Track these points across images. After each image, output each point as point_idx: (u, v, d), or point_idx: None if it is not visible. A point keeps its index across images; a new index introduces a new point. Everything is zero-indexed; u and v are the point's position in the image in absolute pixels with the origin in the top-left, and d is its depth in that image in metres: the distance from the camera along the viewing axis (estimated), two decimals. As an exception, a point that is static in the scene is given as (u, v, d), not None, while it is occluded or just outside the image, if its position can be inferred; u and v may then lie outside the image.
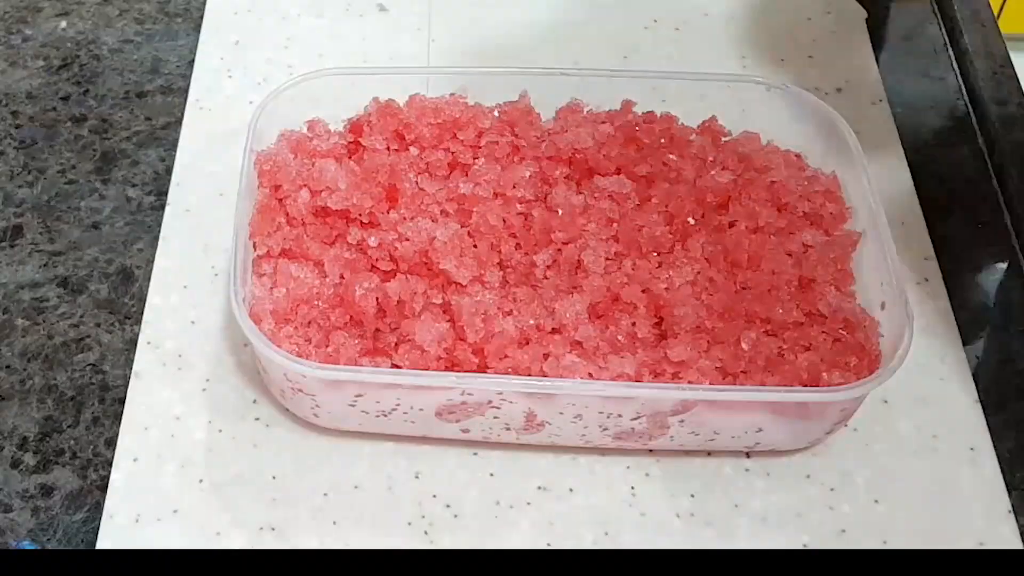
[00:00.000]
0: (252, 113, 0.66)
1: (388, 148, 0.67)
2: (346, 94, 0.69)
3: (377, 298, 0.61)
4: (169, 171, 0.74)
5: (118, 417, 0.64)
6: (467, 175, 0.66)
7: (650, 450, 0.63)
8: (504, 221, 0.64)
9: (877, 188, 0.65)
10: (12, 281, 0.69)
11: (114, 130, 0.77)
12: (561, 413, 0.59)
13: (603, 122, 0.69)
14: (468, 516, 0.61)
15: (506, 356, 0.59)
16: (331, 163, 0.65)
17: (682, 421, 0.60)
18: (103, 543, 0.59)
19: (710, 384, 0.59)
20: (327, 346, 0.60)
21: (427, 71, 0.77)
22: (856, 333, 0.61)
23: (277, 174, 0.65)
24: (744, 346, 0.60)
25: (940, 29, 0.85)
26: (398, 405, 0.60)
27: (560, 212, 0.64)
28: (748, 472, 0.63)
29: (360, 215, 0.64)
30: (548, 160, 0.67)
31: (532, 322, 0.61)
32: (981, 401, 0.66)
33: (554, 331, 0.61)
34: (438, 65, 0.80)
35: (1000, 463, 0.64)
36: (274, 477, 0.62)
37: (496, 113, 0.69)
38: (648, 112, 0.70)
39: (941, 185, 0.76)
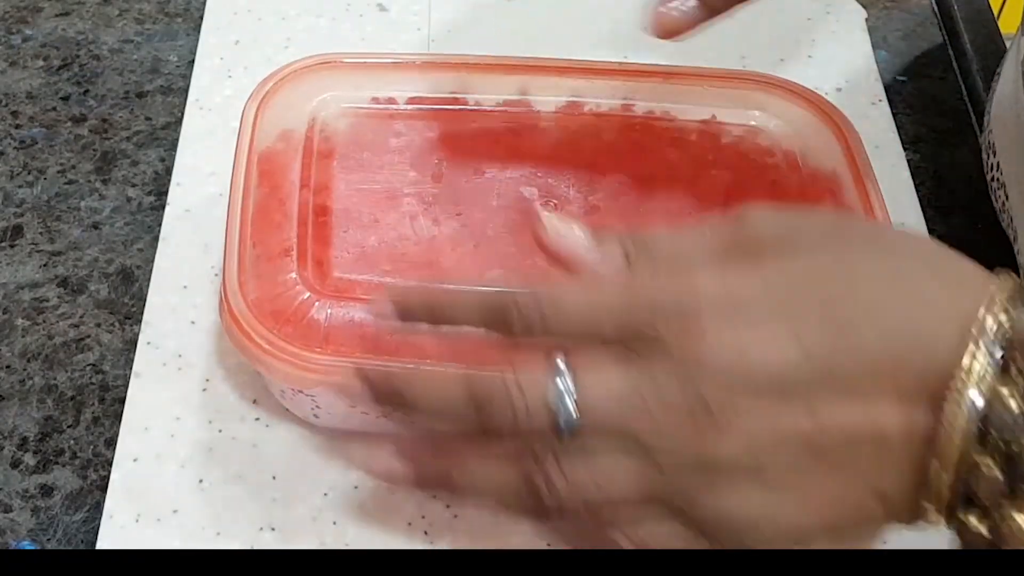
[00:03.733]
0: (246, 106, 0.66)
1: (387, 147, 0.67)
2: (346, 93, 0.68)
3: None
4: (169, 171, 0.74)
5: (118, 417, 0.63)
6: (467, 175, 0.66)
7: (650, 450, 0.63)
8: (503, 220, 0.64)
9: (876, 188, 0.65)
10: (12, 281, 0.69)
11: (114, 130, 0.77)
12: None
13: (603, 121, 0.69)
14: (468, 516, 0.61)
15: (507, 358, 0.59)
16: (331, 162, 0.65)
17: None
18: (103, 543, 0.59)
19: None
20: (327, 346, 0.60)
21: (426, 69, 0.76)
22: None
23: (277, 174, 0.64)
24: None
25: (940, 29, 0.85)
26: (398, 405, 0.60)
27: (559, 211, 0.64)
28: (748, 472, 0.63)
29: (360, 214, 0.64)
30: (547, 160, 0.67)
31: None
32: (981, 401, 0.66)
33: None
34: (437, 63, 0.80)
35: (1000, 463, 0.63)
36: (274, 477, 0.62)
37: (496, 112, 0.69)
38: (648, 111, 0.69)
39: (941, 185, 0.76)
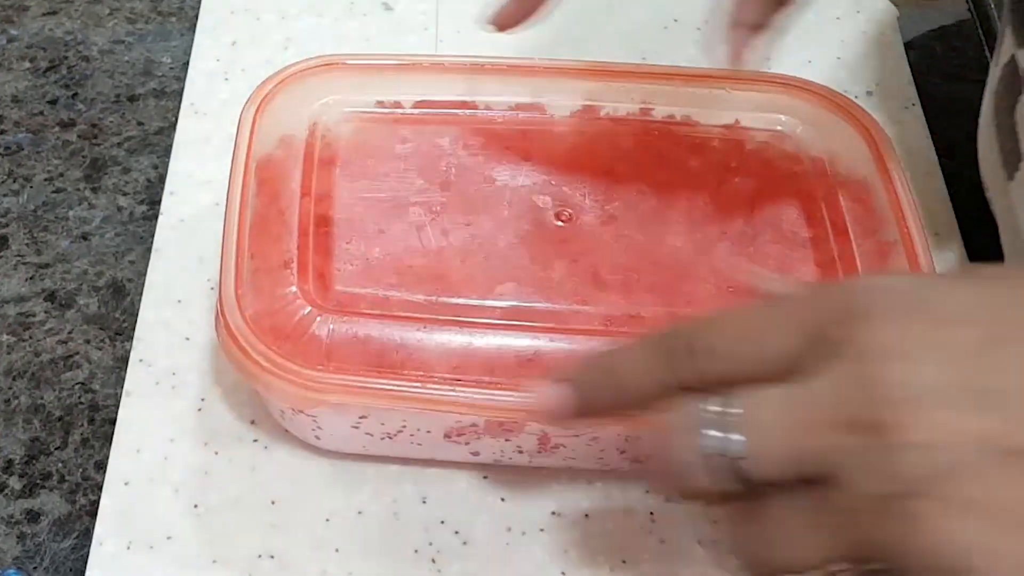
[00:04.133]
0: (244, 110, 0.66)
1: (393, 154, 0.67)
2: (349, 97, 0.69)
3: (382, 313, 0.61)
4: (162, 179, 0.74)
5: (108, 439, 0.64)
6: (477, 183, 0.66)
7: (670, 474, 0.63)
8: (515, 231, 0.64)
9: (910, 196, 0.65)
10: (-3, 295, 0.70)
11: (104, 136, 0.77)
12: (576, 435, 0.59)
13: (620, 126, 0.69)
14: (478, 543, 0.61)
15: (518, 374, 0.59)
16: (333, 170, 0.65)
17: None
18: (92, 572, 0.59)
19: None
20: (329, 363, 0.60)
21: (434, 71, 0.77)
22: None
23: (276, 182, 0.65)
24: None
25: (976, 29, 0.85)
26: (404, 427, 0.60)
27: (574, 221, 0.64)
28: (774, 497, 0.63)
29: (364, 224, 0.64)
30: (562, 166, 0.67)
31: (545, 338, 0.60)
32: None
33: (569, 347, 0.61)
34: (446, 65, 0.80)
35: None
36: (273, 502, 0.62)
37: (507, 117, 0.69)
38: (667, 116, 0.70)
39: (976, 193, 0.76)
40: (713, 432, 0.43)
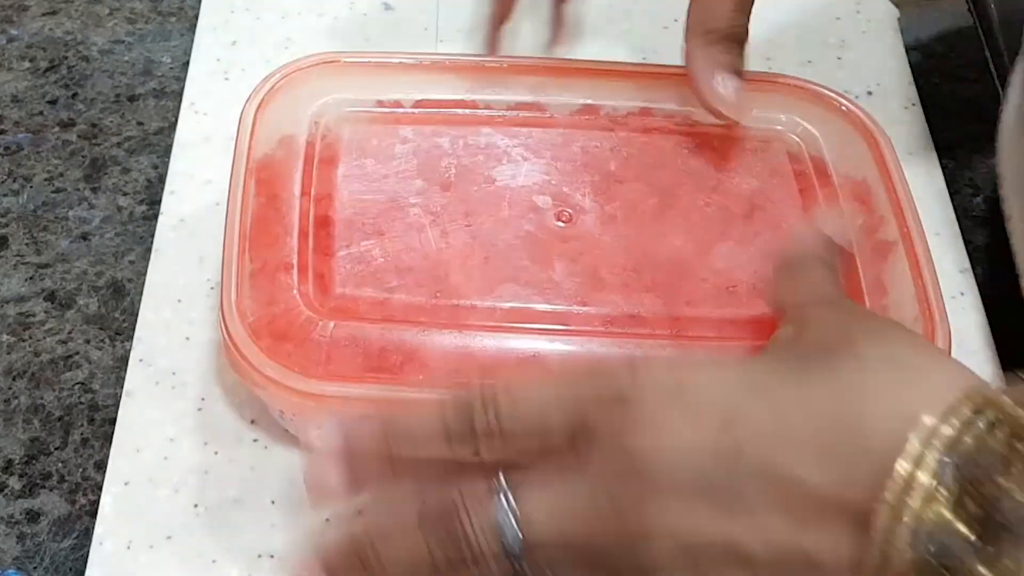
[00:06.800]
0: (244, 109, 0.66)
1: (393, 154, 0.67)
2: (349, 96, 0.69)
3: (382, 314, 0.61)
4: (162, 179, 0.74)
5: (108, 438, 0.64)
6: (477, 183, 0.66)
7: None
8: (515, 231, 0.64)
9: (909, 196, 0.65)
10: (-3, 295, 0.70)
11: (104, 135, 0.77)
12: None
13: (620, 126, 0.69)
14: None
15: (519, 375, 0.59)
16: (333, 170, 0.65)
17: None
18: (92, 572, 0.59)
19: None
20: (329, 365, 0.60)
21: (434, 71, 0.77)
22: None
23: (276, 182, 0.65)
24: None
25: (976, 29, 0.85)
26: (404, 426, 0.60)
27: (574, 221, 0.64)
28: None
29: (364, 225, 0.64)
30: (562, 166, 0.67)
31: (545, 338, 0.60)
32: (1021, 422, 0.66)
33: (569, 348, 0.61)
34: (446, 65, 0.80)
35: (1041, 488, 0.63)
36: (273, 502, 0.62)
37: (507, 116, 0.69)
38: (668, 115, 0.70)
39: (977, 193, 0.76)
40: (503, 509, 0.45)
